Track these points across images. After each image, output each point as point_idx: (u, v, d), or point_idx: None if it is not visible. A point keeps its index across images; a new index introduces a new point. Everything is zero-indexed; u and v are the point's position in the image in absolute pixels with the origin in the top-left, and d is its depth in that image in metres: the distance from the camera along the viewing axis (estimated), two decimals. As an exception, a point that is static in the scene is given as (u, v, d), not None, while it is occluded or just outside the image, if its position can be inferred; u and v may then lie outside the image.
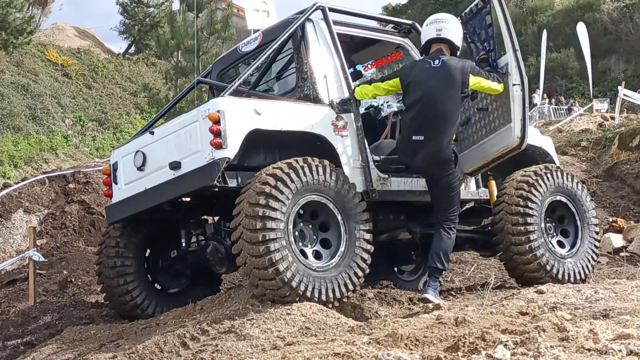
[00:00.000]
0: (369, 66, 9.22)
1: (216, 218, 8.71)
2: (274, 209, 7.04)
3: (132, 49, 56.30)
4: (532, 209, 8.68)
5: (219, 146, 7.21)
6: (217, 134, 7.22)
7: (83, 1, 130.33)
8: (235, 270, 8.29)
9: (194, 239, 8.70)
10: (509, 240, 8.67)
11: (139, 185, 8.18)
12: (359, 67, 9.48)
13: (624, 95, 25.81)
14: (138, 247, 8.84)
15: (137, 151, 8.21)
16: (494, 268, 11.35)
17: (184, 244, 8.65)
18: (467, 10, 8.78)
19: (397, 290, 8.93)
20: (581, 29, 39.47)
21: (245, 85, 8.59)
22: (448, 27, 8.22)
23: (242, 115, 7.43)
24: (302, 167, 7.35)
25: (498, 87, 8.28)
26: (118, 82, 43.98)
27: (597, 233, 9.38)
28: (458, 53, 8.33)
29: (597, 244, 9.35)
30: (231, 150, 7.27)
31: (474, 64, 8.29)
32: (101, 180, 14.88)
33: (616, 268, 10.93)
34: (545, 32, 38.79)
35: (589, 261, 9.11)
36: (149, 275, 9.00)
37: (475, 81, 8.08)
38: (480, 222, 9.87)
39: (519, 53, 8.30)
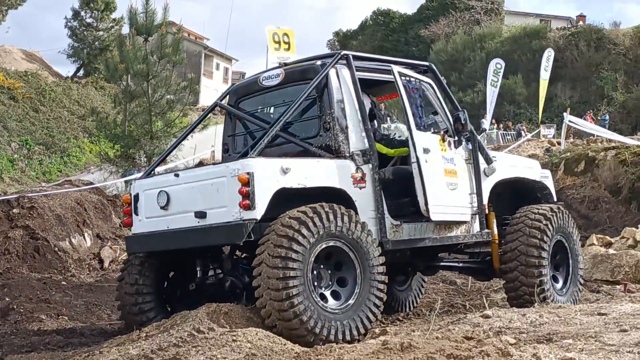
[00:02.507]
0: (384, 98, 9.52)
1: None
2: (294, 260, 7.42)
3: (81, 72, 55.89)
4: (546, 242, 9.43)
5: (247, 207, 7.59)
6: (246, 195, 7.59)
7: (31, 24, 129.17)
8: (252, 304, 8.52)
9: (211, 272, 9.09)
10: (520, 271, 9.37)
11: (162, 223, 8.52)
12: (373, 97, 9.82)
13: (570, 121, 26.23)
14: (157, 277, 9.10)
15: (161, 190, 8.50)
16: (441, 292, 11.40)
17: (200, 275, 8.95)
18: None
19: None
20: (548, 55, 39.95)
21: (261, 120, 9.19)
22: None
23: (270, 176, 7.77)
24: (327, 213, 7.75)
25: (384, 150, 9.36)
26: (66, 105, 43.51)
27: (583, 270, 10.48)
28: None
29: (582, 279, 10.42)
30: (259, 211, 7.65)
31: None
32: (46, 205, 14.72)
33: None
34: (498, 61, 39.15)
35: (579, 292, 10.08)
36: (167, 305, 9.17)
37: None
38: (477, 251, 10.29)
39: (413, 132, 8.74)
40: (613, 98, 53.54)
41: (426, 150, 8.77)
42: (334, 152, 8.47)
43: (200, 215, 8.00)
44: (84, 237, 15.06)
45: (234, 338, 6.75)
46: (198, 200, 8.07)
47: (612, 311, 7.84)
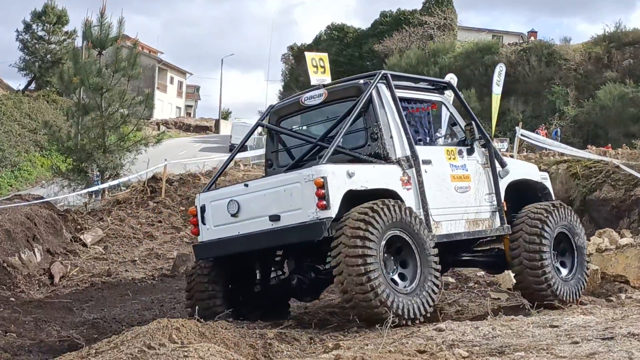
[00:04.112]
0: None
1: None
2: (370, 248, 8.40)
3: (33, 85, 55.31)
4: (546, 232, 10.46)
5: (324, 207, 8.57)
6: (322, 197, 8.57)
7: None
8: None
9: (272, 274, 10.36)
10: (524, 257, 10.38)
11: (233, 229, 9.49)
12: None
13: (522, 135, 26.46)
14: (224, 282, 10.03)
15: (231, 200, 9.45)
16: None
17: (260, 278, 10.08)
18: None
19: (297, 330, 8.90)
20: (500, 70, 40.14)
21: (307, 135, 10.30)
22: None
23: (340, 179, 8.77)
24: (394, 206, 8.79)
25: None
26: (17, 119, 43.05)
27: (587, 259, 11.44)
28: None
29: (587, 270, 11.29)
30: (333, 210, 8.66)
31: None
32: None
33: (514, 304, 11.11)
34: (451, 75, 39.31)
35: (584, 282, 11.03)
36: (233, 310, 9.82)
37: None
38: (489, 248, 11.58)
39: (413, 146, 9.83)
40: (564, 112, 54.38)
41: (426, 162, 9.71)
42: (382, 158, 9.45)
43: (275, 218, 8.97)
44: (34, 253, 14.80)
45: (186, 354, 6.65)
46: (270, 205, 9.06)
47: (564, 323, 7.90)
